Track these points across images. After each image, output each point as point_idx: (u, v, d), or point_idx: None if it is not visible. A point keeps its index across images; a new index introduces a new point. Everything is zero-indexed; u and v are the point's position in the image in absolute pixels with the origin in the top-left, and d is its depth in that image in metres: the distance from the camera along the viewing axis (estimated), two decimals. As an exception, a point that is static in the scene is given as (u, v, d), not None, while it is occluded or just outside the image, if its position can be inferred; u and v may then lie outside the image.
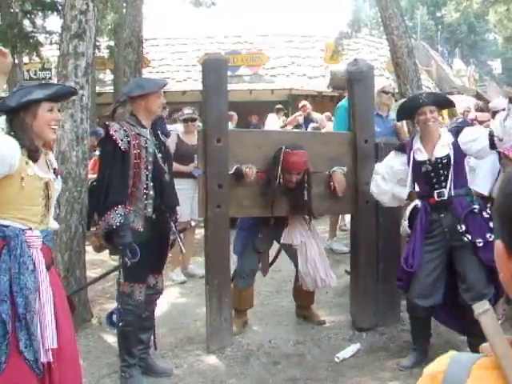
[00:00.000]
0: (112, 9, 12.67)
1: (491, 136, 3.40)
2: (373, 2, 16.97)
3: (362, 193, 4.14)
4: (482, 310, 0.83)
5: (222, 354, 3.87)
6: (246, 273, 4.20)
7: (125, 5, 10.82)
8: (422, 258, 3.49)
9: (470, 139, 3.50)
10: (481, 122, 5.17)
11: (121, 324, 3.38)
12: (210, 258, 3.97)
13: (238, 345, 3.99)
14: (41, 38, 12.27)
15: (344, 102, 4.97)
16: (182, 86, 14.60)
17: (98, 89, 13.23)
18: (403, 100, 4.45)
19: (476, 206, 3.47)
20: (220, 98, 3.90)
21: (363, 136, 4.21)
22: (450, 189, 3.49)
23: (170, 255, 4.31)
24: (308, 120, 9.77)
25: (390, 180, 3.73)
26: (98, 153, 5.71)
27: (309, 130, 8.42)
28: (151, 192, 3.34)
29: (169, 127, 6.01)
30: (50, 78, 13.91)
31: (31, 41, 11.78)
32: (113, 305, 3.85)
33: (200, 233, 5.82)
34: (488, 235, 3.37)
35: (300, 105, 10.55)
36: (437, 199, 3.51)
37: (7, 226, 2.38)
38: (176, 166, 4.57)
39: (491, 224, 3.40)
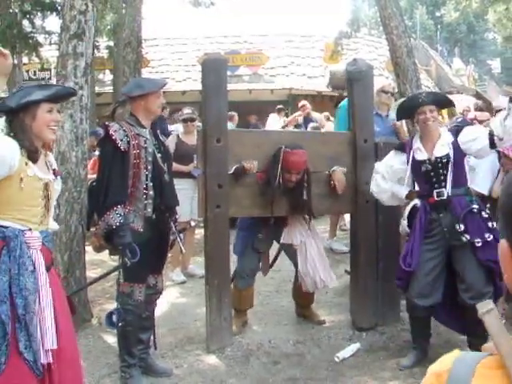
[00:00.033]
0: (111, 9, 12.63)
1: (491, 135, 3.40)
2: (372, 2, 17.00)
3: (362, 192, 4.14)
4: (486, 309, 0.83)
5: (221, 354, 3.87)
6: (246, 273, 4.20)
7: (124, 5, 10.80)
8: (420, 257, 3.49)
9: (469, 139, 3.50)
10: (480, 122, 5.18)
11: (121, 324, 3.38)
12: (210, 257, 3.96)
13: (238, 345, 3.99)
14: (40, 38, 12.23)
15: (345, 102, 4.95)
16: (181, 86, 14.60)
17: (97, 89, 13.25)
18: (403, 99, 4.45)
19: (475, 206, 3.47)
20: (220, 98, 3.90)
21: (363, 135, 4.21)
22: (449, 188, 3.49)
23: (169, 255, 4.32)
24: (307, 120, 9.75)
25: (389, 179, 3.73)
26: (97, 153, 5.70)
27: (308, 129, 8.41)
28: (151, 192, 3.33)
29: (170, 127, 6.01)
30: (49, 79, 13.92)
31: (30, 41, 11.75)
32: (113, 305, 3.84)
33: (200, 233, 5.81)
34: (486, 235, 3.37)
35: (300, 104, 10.53)
36: (436, 199, 3.51)
37: (7, 227, 2.37)
38: (176, 166, 4.57)
39: (490, 224, 3.40)
